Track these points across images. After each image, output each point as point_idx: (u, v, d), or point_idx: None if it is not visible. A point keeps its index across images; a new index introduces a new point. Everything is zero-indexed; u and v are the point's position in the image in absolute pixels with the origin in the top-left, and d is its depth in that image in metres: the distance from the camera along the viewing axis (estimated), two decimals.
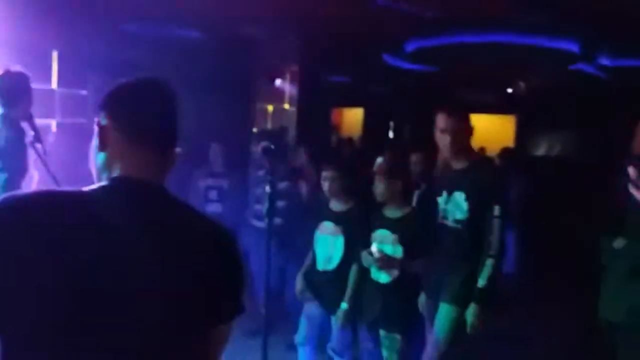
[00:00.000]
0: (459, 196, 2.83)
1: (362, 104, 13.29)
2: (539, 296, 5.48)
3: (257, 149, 5.01)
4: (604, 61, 7.67)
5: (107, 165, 1.18)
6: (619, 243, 2.57)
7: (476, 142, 3.30)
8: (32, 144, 3.35)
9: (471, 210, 2.78)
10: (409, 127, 12.65)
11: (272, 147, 3.36)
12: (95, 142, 1.20)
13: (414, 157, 4.11)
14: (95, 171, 1.21)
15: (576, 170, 7.77)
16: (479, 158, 3.08)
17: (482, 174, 2.83)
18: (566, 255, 4.89)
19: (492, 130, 11.16)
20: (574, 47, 7.06)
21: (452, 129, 2.80)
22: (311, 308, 3.37)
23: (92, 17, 5.75)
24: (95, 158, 1.20)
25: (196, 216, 1.19)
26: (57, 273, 1.00)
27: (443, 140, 2.83)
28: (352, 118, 13.74)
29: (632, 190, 2.36)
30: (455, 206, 2.85)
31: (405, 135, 12.65)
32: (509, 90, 10.61)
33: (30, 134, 3.36)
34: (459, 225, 2.84)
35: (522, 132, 11.88)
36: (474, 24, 6.45)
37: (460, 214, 2.82)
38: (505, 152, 7.09)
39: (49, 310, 1.00)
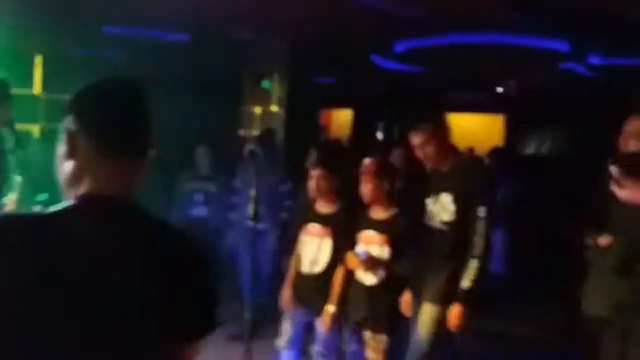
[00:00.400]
0: (446, 197, 2.83)
1: (351, 106, 13.26)
2: (527, 295, 5.49)
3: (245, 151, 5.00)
4: (594, 60, 7.69)
5: (75, 176, 1.10)
6: (603, 240, 2.57)
7: (466, 141, 3.28)
8: (13, 150, 3.30)
9: (457, 211, 2.78)
10: (399, 128, 12.63)
11: (257, 150, 3.34)
12: (62, 149, 1.12)
13: (395, 153, 4.11)
14: (62, 182, 1.12)
15: (565, 169, 7.79)
16: (465, 159, 3.07)
17: (468, 176, 2.84)
18: (554, 253, 4.90)
19: (481, 129, 11.17)
20: (563, 47, 7.06)
21: (423, 143, 2.82)
22: (296, 311, 3.31)
23: (76, 20, 5.67)
24: (62, 167, 1.12)
25: (168, 232, 1.13)
26: (17, 301, 0.98)
27: (420, 154, 2.87)
28: (341, 119, 13.71)
29: (614, 188, 2.37)
30: (441, 207, 2.85)
31: (394, 136, 12.63)
32: (499, 90, 10.63)
33: (11, 140, 3.30)
34: (445, 227, 2.83)
35: (512, 131, 11.90)
36: (463, 24, 6.42)
37: (447, 215, 2.83)
38: (495, 152, 7.09)
39: (10, 337, 0.98)
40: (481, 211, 2.71)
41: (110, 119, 1.11)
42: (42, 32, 5.70)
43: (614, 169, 2.39)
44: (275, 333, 3.40)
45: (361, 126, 13.08)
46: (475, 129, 10.57)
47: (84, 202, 1.08)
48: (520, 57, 7.43)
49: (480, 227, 2.71)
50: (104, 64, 6.99)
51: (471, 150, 8.69)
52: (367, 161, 3.13)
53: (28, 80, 6.04)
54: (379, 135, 13.19)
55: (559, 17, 5.88)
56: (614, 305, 2.50)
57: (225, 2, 5.31)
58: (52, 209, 1.07)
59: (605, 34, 6.30)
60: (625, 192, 2.43)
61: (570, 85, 9.11)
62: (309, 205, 3.40)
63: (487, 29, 6.54)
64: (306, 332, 3.32)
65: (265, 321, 4.03)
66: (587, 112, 8.89)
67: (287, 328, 3.32)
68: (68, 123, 1.11)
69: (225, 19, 6.05)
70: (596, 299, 2.62)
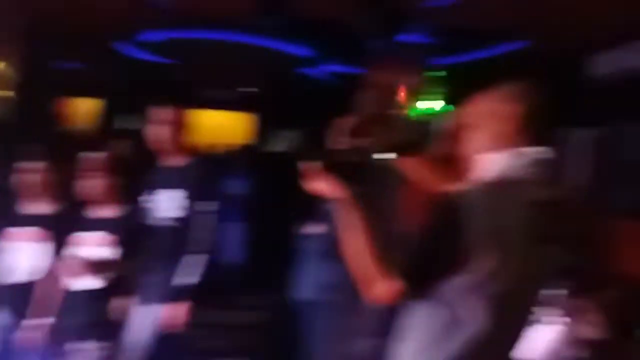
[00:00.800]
0: (172, 194, 2.84)
1: (96, 95, 12.46)
2: (261, 285, 5.73)
3: None
4: (333, 67, 8.45)
5: None
6: (310, 229, 2.86)
7: (214, 138, 3.30)
8: None
9: (184, 207, 2.82)
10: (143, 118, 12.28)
11: None
12: None
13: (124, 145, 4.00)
14: None
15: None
16: (195, 155, 3.06)
17: (197, 172, 2.88)
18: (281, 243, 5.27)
19: (230, 126, 11.50)
20: (307, 52, 7.63)
21: (160, 124, 2.85)
22: None
23: None
24: None
25: None
26: None
27: (153, 141, 2.87)
28: (85, 109, 12.81)
29: (304, 183, 2.63)
30: (168, 204, 2.84)
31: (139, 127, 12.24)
32: (246, 89, 11.07)
33: None
34: (172, 223, 2.84)
35: (258, 129, 12.47)
36: (212, 21, 6.53)
37: (174, 212, 2.83)
38: (242, 149, 7.38)
39: None
40: (205, 206, 2.78)
41: None
42: None
43: (303, 166, 2.64)
44: None
45: (107, 117, 12.41)
46: (223, 126, 10.88)
47: None
48: (267, 59, 7.81)
49: (204, 222, 2.77)
50: None
51: (213, 147, 8.89)
52: (93, 155, 2.93)
53: None
54: (125, 126, 12.62)
55: (303, 24, 6.33)
56: (318, 287, 2.79)
57: None
58: None
59: (344, 42, 6.96)
60: (319, 186, 2.69)
61: (311, 88, 9.88)
62: (16, 205, 3.05)
63: (236, 29, 6.75)
64: (9, 344, 2.97)
65: None
66: (322, 114, 9.76)
67: None
68: None
69: None
70: (303, 283, 2.89)
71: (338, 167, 1.73)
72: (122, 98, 11.93)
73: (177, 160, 2.92)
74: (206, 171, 2.95)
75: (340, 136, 2.59)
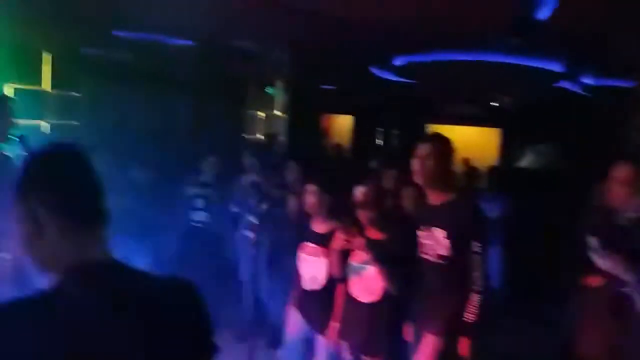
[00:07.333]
0: (439, 233, 2.76)
1: (350, 112, 13.45)
2: (526, 312, 5.55)
3: (247, 163, 5.16)
4: (588, 80, 7.89)
5: (49, 254, 1.11)
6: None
7: (461, 153, 3.15)
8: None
9: (451, 247, 2.73)
10: (397, 135, 12.90)
11: (260, 182, 3.49)
12: (25, 231, 1.10)
13: (389, 175, 4.15)
14: (36, 262, 1.13)
15: (556, 183, 7.93)
16: (458, 193, 2.88)
17: (460, 211, 2.76)
18: (550, 270, 4.91)
19: (476, 141, 11.30)
20: (557, 67, 7.26)
21: (426, 156, 2.76)
22: (298, 326, 3.40)
23: (85, 21, 5.78)
24: (31, 249, 1.12)
25: (154, 281, 1.17)
26: None
27: (418, 171, 2.80)
28: (341, 125, 13.89)
29: (596, 258, 2.53)
30: (435, 242, 2.79)
31: (392, 143, 12.86)
32: (495, 104, 10.82)
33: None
34: (440, 261, 2.78)
35: (507, 144, 12.08)
36: (462, 42, 6.58)
37: (441, 250, 2.77)
38: (492, 170, 7.29)
39: None
40: (476, 246, 2.68)
41: (71, 190, 1.13)
42: (51, 30, 5.79)
43: (593, 241, 2.52)
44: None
45: (361, 132, 13.28)
46: (470, 141, 10.59)
47: (76, 273, 1.09)
48: (515, 76, 7.62)
49: (477, 261, 2.69)
50: (111, 64, 7.14)
51: (466, 161, 8.89)
52: (360, 189, 3.07)
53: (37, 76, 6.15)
54: (379, 141, 13.39)
55: (554, 40, 6.04)
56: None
57: (231, 12, 5.41)
58: (41, 287, 1.08)
59: (599, 55, 6.48)
60: (606, 264, 2.55)
61: (563, 103, 9.32)
62: (306, 222, 3.45)
63: (485, 48, 6.70)
64: (307, 347, 3.36)
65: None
66: (578, 128, 9.12)
67: (290, 345, 3.40)
68: (24, 204, 1.11)
69: (230, 28, 6.14)
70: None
71: None
72: (378, 114, 12.74)
73: (437, 199, 2.80)
74: (466, 211, 2.76)
75: None
